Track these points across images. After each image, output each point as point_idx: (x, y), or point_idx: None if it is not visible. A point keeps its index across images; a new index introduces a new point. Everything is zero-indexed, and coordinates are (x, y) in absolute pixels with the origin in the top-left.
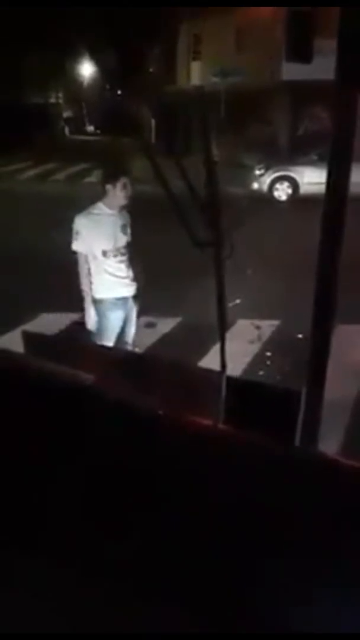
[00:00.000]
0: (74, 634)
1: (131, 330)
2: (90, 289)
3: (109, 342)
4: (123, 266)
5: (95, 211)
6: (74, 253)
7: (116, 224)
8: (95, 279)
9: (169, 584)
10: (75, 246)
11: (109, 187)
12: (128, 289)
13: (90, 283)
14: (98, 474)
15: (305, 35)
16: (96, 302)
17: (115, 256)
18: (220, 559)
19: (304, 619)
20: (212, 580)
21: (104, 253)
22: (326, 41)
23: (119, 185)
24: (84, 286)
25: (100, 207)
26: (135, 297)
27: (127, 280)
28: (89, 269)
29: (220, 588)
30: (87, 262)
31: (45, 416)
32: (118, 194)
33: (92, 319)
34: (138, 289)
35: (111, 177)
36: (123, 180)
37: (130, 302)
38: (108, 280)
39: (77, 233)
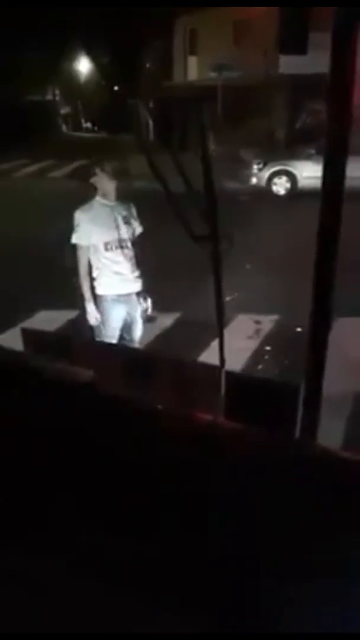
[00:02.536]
0: (74, 633)
1: (136, 329)
2: (91, 283)
3: (112, 340)
4: (127, 261)
5: (94, 204)
6: (74, 246)
7: (117, 214)
8: (97, 274)
9: (170, 583)
10: (75, 239)
11: (94, 179)
12: (132, 286)
13: (91, 278)
14: (98, 470)
15: (299, 26)
16: (97, 297)
17: (117, 248)
18: (221, 556)
19: (312, 616)
20: (214, 579)
21: (106, 245)
22: (321, 34)
23: (99, 173)
24: (83, 280)
25: (97, 200)
26: (139, 294)
27: (130, 277)
28: (89, 264)
29: (222, 587)
30: (87, 255)
31: (45, 413)
32: (102, 180)
33: (92, 314)
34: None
35: (87, 172)
36: (98, 168)
37: (134, 299)
38: (110, 276)
39: (77, 226)
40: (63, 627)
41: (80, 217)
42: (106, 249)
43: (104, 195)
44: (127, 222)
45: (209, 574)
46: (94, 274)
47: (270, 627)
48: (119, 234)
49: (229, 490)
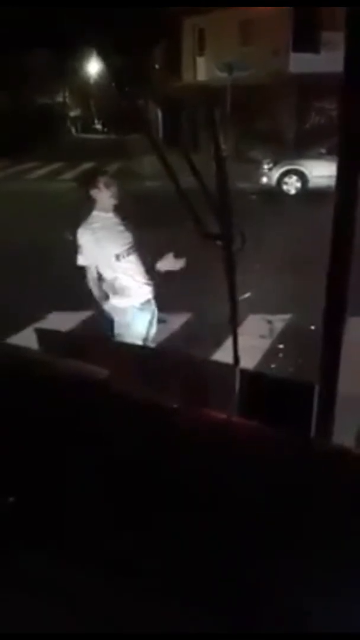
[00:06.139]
0: (74, 634)
1: (152, 331)
2: (108, 297)
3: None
4: (137, 267)
5: (95, 222)
6: (81, 268)
7: (118, 225)
8: (115, 287)
9: (175, 581)
10: (81, 261)
11: (94, 191)
12: (149, 290)
13: (106, 294)
14: (112, 468)
15: (313, 26)
16: (120, 311)
17: (128, 255)
18: (232, 555)
19: (314, 616)
20: (223, 577)
21: (117, 257)
22: (333, 33)
23: (101, 186)
24: (99, 295)
25: (97, 215)
26: (156, 297)
27: (145, 281)
28: (99, 278)
29: (231, 584)
30: (96, 272)
31: (61, 411)
32: (104, 194)
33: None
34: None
35: (90, 182)
36: (102, 180)
37: (153, 303)
38: (127, 286)
39: (80, 247)
40: (65, 627)
41: (84, 238)
42: (118, 260)
43: (103, 208)
44: (127, 228)
45: (211, 574)
46: (111, 288)
47: (271, 627)
48: (124, 242)
49: (241, 486)
